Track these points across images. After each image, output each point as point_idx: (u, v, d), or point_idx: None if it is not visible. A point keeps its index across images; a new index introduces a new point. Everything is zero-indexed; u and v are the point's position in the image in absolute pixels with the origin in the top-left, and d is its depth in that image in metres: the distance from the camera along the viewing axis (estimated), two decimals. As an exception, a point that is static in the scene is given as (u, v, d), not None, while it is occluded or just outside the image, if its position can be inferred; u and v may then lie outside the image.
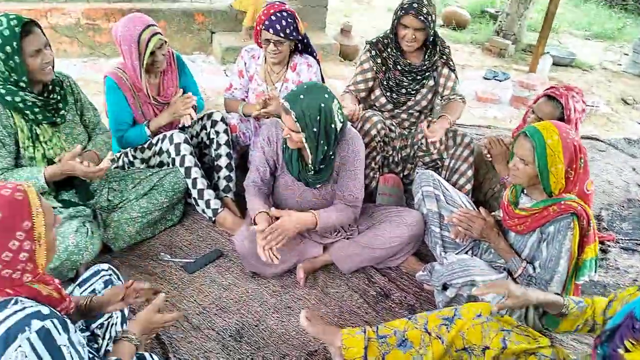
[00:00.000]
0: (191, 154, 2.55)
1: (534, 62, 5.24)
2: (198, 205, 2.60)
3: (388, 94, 2.74)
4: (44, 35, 1.94)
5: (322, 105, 2.00)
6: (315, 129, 2.01)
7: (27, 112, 1.93)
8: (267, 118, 2.70)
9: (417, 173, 2.87)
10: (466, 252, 2.29)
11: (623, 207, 3.27)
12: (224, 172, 2.71)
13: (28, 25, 1.87)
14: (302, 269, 2.32)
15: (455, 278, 1.97)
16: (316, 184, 2.25)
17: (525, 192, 2.05)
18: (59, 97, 2.06)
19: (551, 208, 1.89)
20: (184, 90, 2.64)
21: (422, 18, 2.49)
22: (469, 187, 2.67)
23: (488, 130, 4.09)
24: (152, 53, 2.41)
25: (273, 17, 2.56)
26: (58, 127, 2.07)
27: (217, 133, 2.70)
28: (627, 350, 1.29)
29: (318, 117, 2.00)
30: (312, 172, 2.19)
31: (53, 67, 2.01)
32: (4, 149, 1.91)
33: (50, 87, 2.03)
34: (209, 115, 2.73)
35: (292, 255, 2.32)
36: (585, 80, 5.88)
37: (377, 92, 2.78)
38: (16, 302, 1.15)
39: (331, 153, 2.14)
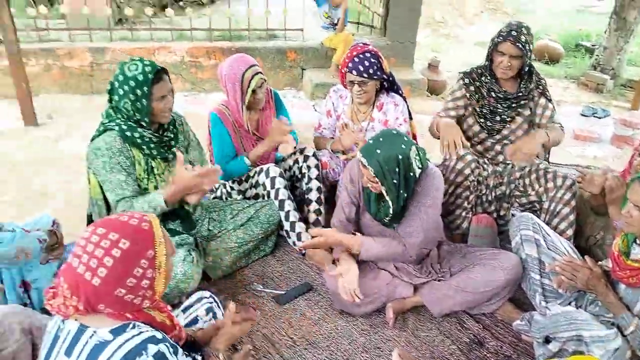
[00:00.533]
0: (285, 187, 2.64)
1: (637, 99, 4.92)
2: (289, 237, 2.67)
3: (482, 120, 2.69)
4: (170, 82, 2.12)
5: (400, 156, 2.01)
6: (395, 181, 2.02)
7: (144, 147, 2.10)
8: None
9: (512, 214, 2.79)
10: (569, 303, 2.16)
11: None
12: (314, 206, 2.77)
13: (159, 72, 2.04)
14: (392, 309, 2.29)
15: (560, 332, 1.85)
16: (392, 225, 2.26)
17: (637, 241, 1.91)
18: (172, 135, 2.22)
19: (669, 261, 1.74)
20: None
21: (520, 46, 2.46)
22: (570, 232, 2.52)
23: (588, 170, 3.86)
24: (254, 91, 2.57)
25: (356, 59, 2.64)
26: (169, 162, 2.23)
27: (309, 167, 2.78)
28: None
29: (397, 169, 2.01)
30: (390, 214, 2.18)
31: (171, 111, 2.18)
32: (129, 177, 2.08)
33: (165, 125, 2.20)
34: (302, 150, 2.82)
35: (382, 294, 2.30)
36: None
37: (470, 120, 2.74)
38: (133, 327, 1.23)
39: (402, 194, 2.13)
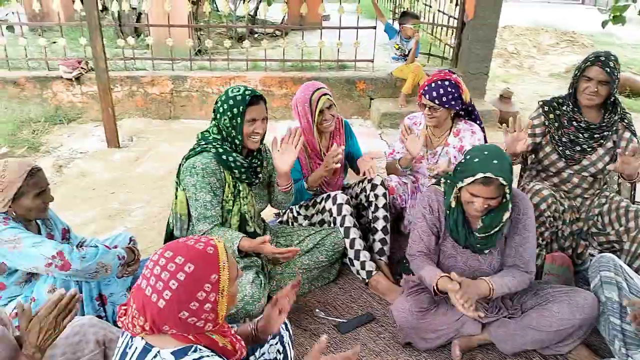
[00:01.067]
0: (351, 214, 2.66)
1: None
2: (353, 266, 2.67)
3: (560, 149, 2.59)
4: (266, 111, 2.26)
5: (511, 165, 2.00)
6: (508, 191, 1.99)
7: (236, 170, 2.23)
8: (429, 178, 2.76)
9: (591, 255, 2.64)
10: (654, 353, 2.00)
11: None
12: (379, 235, 2.75)
13: (256, 97, 2.19)
14: (458, 345, 2.21)
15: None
16: (484, 249, 2.18)
17: None
18: (259, 162, 2.34)
19: None
20: (349, 160, 2.83)
21: (609, 70, 2.39)
22: (655, 276, 2.34)
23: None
24: (321, 112, 2.65)
25: (433, 85, 2.69)
26: (252, 187, 2.35)
27: (377, 196, 2.78)
28: None
29: (511, 179, 1.99)
30: (482, 236, 2.12)
31: (262, 139, 2.29)
32: (215, 199, 2.20)
33: (254, 152, 2.33)
34: (370, 179, 2.83)
35: (449, 330, 2.24)
36: None
37: (548, 148, 2.65)
38: (195, 350, 1.24)
39: (503, 219, 2.08)
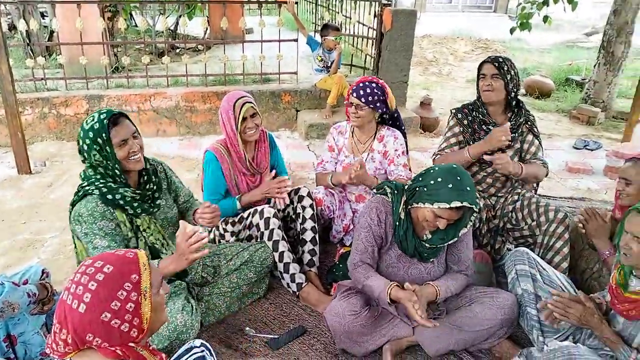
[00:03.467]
0: (279, 227, 2.64)
1: (628, 130, 4.97)
2: (283, 279, 2.64)
3: None
4: (133, 125, 2.06)
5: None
6: (477, 209, 2.03)
7: (127, 207, 2.05)
8: (355, 185, 2.82)
9: (508, 249, 2.77)
10: (567, 337, 2.12)
11: None
12: (308, 246, 2.75)
13: (115, 117, 1.99)
14: (389, 350, 2.24)
15: (559, 367, 1.80)
16: (431, 258, 2.23)
17: (634, 273, 1.88)
18: (155, 187, 2.18)
19: (667, 292, 1.72)
20: (275, 172, 2.78)
21: (497, 65, 2.63)
22: (565, 265, 2.50)
23: (582, 202, 3.86)
24: (244, 119, 2.62)
25: (360, 84, 2.80)
26: (154, 215, 2.19)
27: (304, 208, 2.78)
28: None
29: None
30: (430, 246, 2.17)
31: (144, 155, 2.11)
32: (114, 242, 2.01)
33: (146, 177, 2.16)
34: (296, 191, 2.83)
35: (382, 333, 2.27)
36: (690, 148, 5.45)
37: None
38: None
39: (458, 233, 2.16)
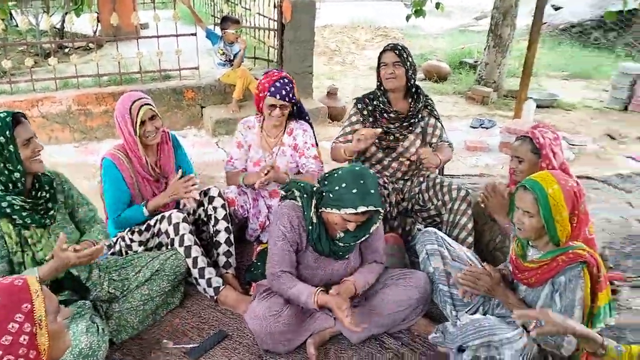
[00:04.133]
0: (190, 232, 2.53)
1: (518, 107, 5.36)
2: (199, 285, 2.55)
3: (377, 141, 2.77)
4: (30, 128, 1.98)
5: None
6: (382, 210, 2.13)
7: (15, 216, 1.90)
8: (267, 183, 2.76)
9: (418, 229, 2.88)
10: (477, 309, 2.24)
11: (625, 243, 3.24)
12: (223, 248, 2.68)
13: (17, 116, 1.93)
14: (312, 344, 2.24)
15: (470, 340, 1.90)
16: (346, 255, 2.25)
17: (531, 244, 2.02)
18: (47, 196, 2.03)
19: (560, 258, 1.87)
20: (182, 172, 2.66)
21: (398, 52, 2.70)
22: (470, 240, 2.65)
23: (481, 178, 4.12)
24: (143, 123, 2.48)
25: (278, 84, 2.72)
26: (48, 227, 2.03)
27: (215, 209, 2.70)
28: None
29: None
30: (344, 245, 2.19)
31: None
32: None
33: (38, 185, 2.02)
34: (206, 192, 2.73)
35: (305, 329, 2.27)
36: (569, 120, 6.00)
37: None
38: None
39: (370, 232, 2.20)
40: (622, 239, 3.29)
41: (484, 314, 2.14)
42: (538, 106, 6.13)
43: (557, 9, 11.32)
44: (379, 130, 2.62)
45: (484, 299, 2.24)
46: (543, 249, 1.95)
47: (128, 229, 2.61)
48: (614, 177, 4.27)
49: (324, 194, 2.08)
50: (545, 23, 10.66)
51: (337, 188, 2.02)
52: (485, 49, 6.99)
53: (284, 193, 2.29)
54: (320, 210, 2.13)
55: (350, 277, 2.24)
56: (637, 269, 2.97)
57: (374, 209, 1.99)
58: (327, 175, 2.12)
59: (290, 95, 2.74)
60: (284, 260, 2.19)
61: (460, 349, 1.98)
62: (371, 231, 2.18)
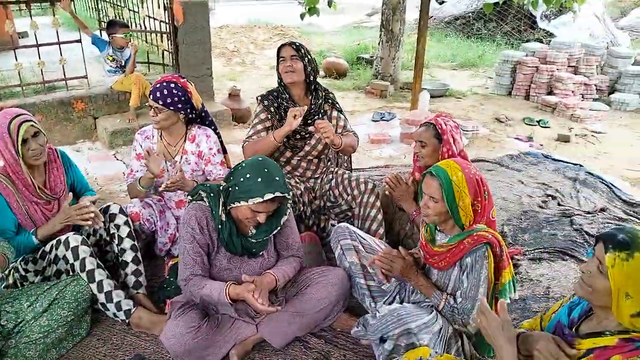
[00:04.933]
0: (91, 255, 2.35)
1: (414, 99, 5.61)
2: (108, 310, 2.38)
3: (284, 140, 2.77)
4: None
5: None
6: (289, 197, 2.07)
7: None
8: (174, 190, 2.67)
9: (331, 225, 2.92)
10: (394, 298, 2.31)
11: (521, 219, 3.51)
12: (131, 267, 2.52)
13: None
14: (236, 355, 2.18)
15: (390, 330, 1.96)
16: (261, 251, 2.21)
17: (438, 228, 2.12)
18: None
19: (465, 241, 1.97)
20: (76, 194, 2.48)
21: (295, 47, 2.72)
22: (382, 231, 2.72)
23: (386, 169, 4.26)
24: (25, 141, 2.29)
25: (157, 85, 2.62)
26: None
27: (118, 227, 2.53)
28: None
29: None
30: (257, 241, 2.15)
31: None
32: None
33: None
34: (106, 210, 2.55)
35: (226, 340, 2.20)
36: (461, 107, 6.40)
37: None
38: None
39: (281, 223, 2.18)
40: (518, 216, 3.56)
41: (401, 302, 2.21)
42: (432, 96, 6.48)
43: (441, 2, 12.06)
44: (306, 107, 2.67)
45: (400, 287, 2.31)
46: (449, 233, 2.05)
47: (21, 258, 2.38)
48: (505, 158, 4.63)
49: (230, 189, 2.04)
50: (431, 17, 11.31)
51: (242, 180, 2.00)
52: (378, 44, 7.24)
53: (190, 198, 2.20)
54: (229, 207, 2.08)
55: (269, 270, 2.21)
56: (532, 242, 3.22)
57: (281, 194, 1.98)
58: (231, 170, 2.10)
59: (168, 100, 2.59)
60: (194, 263, 2.13)
61: (382, 340, 2.03)
62: (282, 222, 2.17)
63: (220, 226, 2.11)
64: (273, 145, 2.70)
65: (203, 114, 2.88)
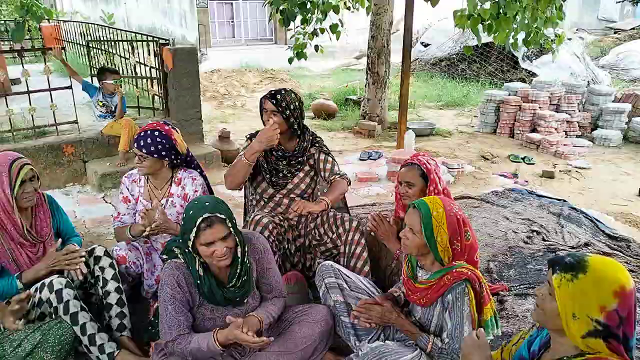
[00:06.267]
0: (75, 297, 2.34)
1: (400, 138, 5.73)
2: (91, 353, 2.35)
3: (268, 176, 2.85)
4: None
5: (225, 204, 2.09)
6: (230, 225, 2.03)
7: None
8: (157, 234, 2.69)
9: (317, 263, 2.92)
10: (379, 336, 2.30)
11: (506, 255, 3.53)
12: (115, 310, 2.51)
13: None
14: (219, 396, 2.15)
15: (375, 367, 1.95)
16: (244, 299, 2.20)
17: (420, 264, 2.14)
18: None
19: (445, 277, 1.99)
20: (62, 239, 2.52)
21: (275, 102, 2.76)
22: (367, 268, 2.74)
23: (374, 207, 4.30)
24: (23, 183, 2.35)
25: (142, 134, 2.68)
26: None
27: (103, 269, 2.53)
28: None
29: (230, 213, 2.07)
30: (237, 288, 2.14)
31: None
32: None
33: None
34: (91, 252, 2.56)
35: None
36: (448, 145, 6.52)
37: (259, 177, 2.90)
38: None
39: (246, 260, 2.15)
40: (503, 252, 3.59)
41: (385, 340, 2.21)
42: (419, 135, 6.61)
43: (426, 45, 12.44)
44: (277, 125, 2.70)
45: (384, 326, 2.31)
46: (430, 269, 2.08)
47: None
48: (491, 195, 4.69)
49: (185, 235, 2.05)
50: (417, 59, 11.66)
51: (183, 223, 2.03)
52: (365, 86, 7.43)
53: (165, 257, 2.20)
54: (197, 257, 2.07)
55: (252, 313, 2.20)
56: (518, 278, 3.24)
57: (211, 214, 1.96)
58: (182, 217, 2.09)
59: (152, 148, 2.64)
60: (179, 323, 2.09)
61: (367, 379, 2.01)
62: (246, 259, 2.14)
63: (198, 282, 2.10)
64: (245, 165, 2.72)
65: (189, 159, 2.93)
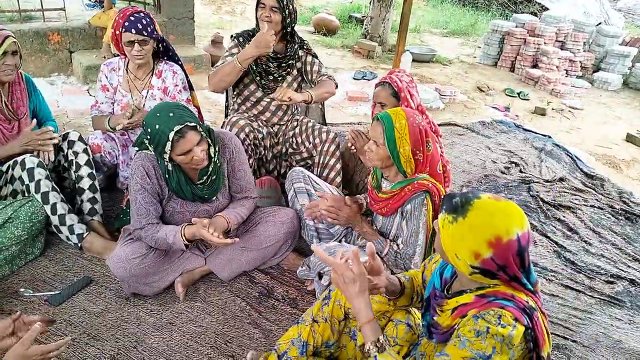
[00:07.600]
0: (47, 178, 2.39)
1: (396, 60, 5.58)
2: (61, 233, 2.43)
3: (257, 79, 2.78)
4: None
5: (187, 109, 2.04)
6: (201, 129, 2.02)
7: None
8: (133, 128, 2.67)
9: (291, 172, 2.96)
10: (340, 241, 2.39)
11: (481, 182, 3.59)
12: (87, 194, 2.56)
13: None
14: (181, 283, 2.26)
15: (326, 265, 2.03)
16: (213, 197, 2.23)
17: (384, 176, 2.17)
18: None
19: (406, 188, 2.03)
20: (38, 121, 2.50)
21: None
22: (339, 179, 2.78)
23: (359, 126, 4.29)
24: (4, 54, 2.32)
25: (132, 18, 2.56)
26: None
27: (76, 154, 2.56)
28: (438, 316, 1.41)
29: (195, 118, 2.03)
30: (205, 186, 2.16)
31: None
32: None
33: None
34: (65, 136, 2.57)
35: (173, 270, 2.27)
36: (445, 74, 6.39)
37: (247, 79, 2.83)
38: None
39: (216, 160, 2.15)
40: (478, 179, 3.64)
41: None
42: (419, 60, 6.46)
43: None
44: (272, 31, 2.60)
45: (346, 231, 2.38)
46: (393, 180, 2.10)
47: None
48: (477, 124, 4.67)
49: (151, 144, 2.01)
50: (429, -19, 11.09)
51: (149, 137, 1.98)
52: (370, 3, 7.14)
53: (137, 148, 2.19)
54: (171, 164, 2.08)
55: (221, 212, 2.25)
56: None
57: (182, 125, 1.92)
58: (143, 124, 2.03)
59: (149, 29, 2.57)
60: (147, 213, 2.12)
61: (320, 276, 2.11)
62: (217, 160, 2.14)
63: (167, 176, 2.11)
64: (237, 70, 2.64)
65: (165, 44, 2.84)
